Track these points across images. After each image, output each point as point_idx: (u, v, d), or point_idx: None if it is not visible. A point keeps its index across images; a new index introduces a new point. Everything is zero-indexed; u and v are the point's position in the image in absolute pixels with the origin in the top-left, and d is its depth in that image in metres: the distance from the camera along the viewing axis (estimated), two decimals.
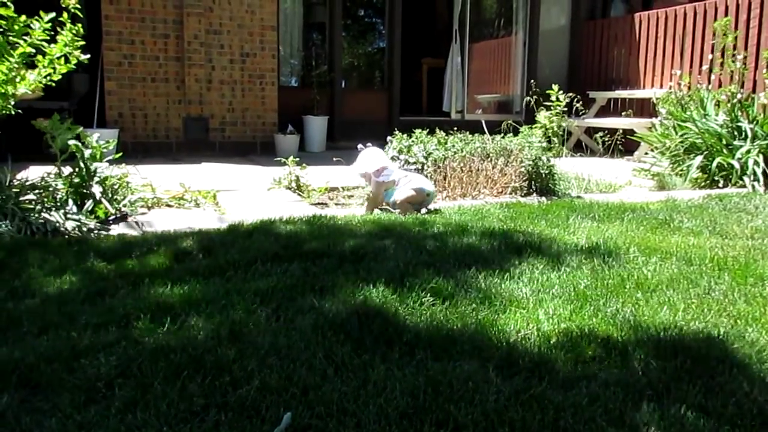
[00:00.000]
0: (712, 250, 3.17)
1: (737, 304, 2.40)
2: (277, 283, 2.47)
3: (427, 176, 4.73)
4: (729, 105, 6.20)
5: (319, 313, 2.20)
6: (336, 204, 4.68)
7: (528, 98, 6.06)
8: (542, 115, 5.31)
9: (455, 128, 5.37)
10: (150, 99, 7.37)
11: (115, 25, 7.15)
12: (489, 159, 4.89)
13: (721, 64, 7.21)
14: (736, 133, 5.89)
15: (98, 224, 3.59)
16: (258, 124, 7.82)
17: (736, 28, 7.23)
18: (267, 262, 2.75)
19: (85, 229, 3.47)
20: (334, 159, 5.26)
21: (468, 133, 5.28)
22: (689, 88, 7.36)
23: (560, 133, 5.47)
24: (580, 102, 5.95)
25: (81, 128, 4.00)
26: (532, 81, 8.39)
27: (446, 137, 5.13)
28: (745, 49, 7.12)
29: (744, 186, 5.35)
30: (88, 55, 3.93)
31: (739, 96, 6.28)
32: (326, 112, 8.37)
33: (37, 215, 3.44)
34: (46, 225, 3.40)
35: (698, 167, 5.63)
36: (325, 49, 8.97)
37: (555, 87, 5.34)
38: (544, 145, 5.10)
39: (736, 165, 5.47)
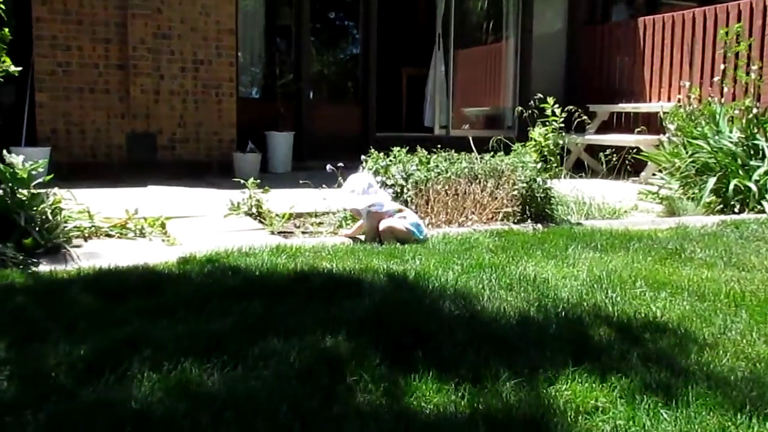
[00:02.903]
0: (728, 284, 3.24)
1: (756, 346, 2.45)
2: (236, 324, 2.47)
3: (407, 201, 4.77)
4: (744, 121, 6.37)
5: (283, 359, 2.19)
6: (303, 232, 4.69)
7: (521, 111, 6.15)
8: (536, 132, 5.38)
9: (439, 146, 5.43)
10: (88, 113, 7.36)
11: (48, 29, 7.15)
12: (477, 181, 4.94)
13: (735, 76, 7.41)
14: (752, 152, 6.04)
15: (25, 257, 3.56)
16: (214, 141, 7.83)
17: (750, 34, 7.44)
18: (224, 300, 2.74)
19: (10, 263, 3.43)
20: (301, 181, 5.28)
21: (453, 151, 5.33)
22: (700, 101, 7.54)
23: (557, 151, 5.55)
24: (580, 116, 6.06)
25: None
26: (526, 92, 8.55)
27: (429, 156, 5.18)
28: (761, 58, 7.32)
29: (762, 211, 5.48)
30: (20, 68, 3.92)
31: (754, 111, 6.46)
32: (292, 128, 8.42)
33: None
34: None
35: (711, 190, 5.75)
36: (290, 56, 9.06)
37: (551, 100, 5.43)
38: (540, 165, 5.18)
39: (754, 188, 5.60)
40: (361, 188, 4.31)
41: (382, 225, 4.19)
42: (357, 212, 4.35)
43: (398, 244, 4.02)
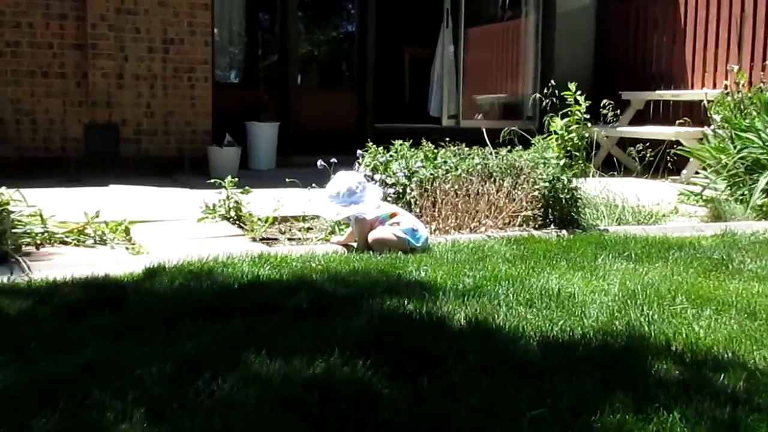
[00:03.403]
0: None
1: None
2: (212, 345, 2.47)
3: (410, 202, 4.78)
4: None
5: (266, 385, 2.20)
6: (289, 239, 4.69)
7: (541, 98, 6.15)
8: (558, 123, 5.39)
9: (447, 139, 5.44)
10: (40, 100, 7.37)
11: None
12: (492, 179, 4.96)
13: None
14: None
15: None
16: (186, 133, 7.85)
17: None
18: (198, 317, 2.75)
19: None
20: (288, 179, 5.28)
21: (464, 145, 5.34)
22: (750, 87, 7.56)
23: (583, 145, 5.56)
24: (611, 105, 6.07)
25: None
26: (548, 77, 8.56)
27: (436, 150, 5.19)
28: None
29: None
30: None
31: None
32: (277, 118, 8.44)
33: None
34: None
35: (763, 191, 5.76)
36: (275, 34, 9.09)
37: (572, 86, 5.43)
38: (564, 161, 5.19)
39: None
40: (346, 191, 4.30)
41: (371, 237, 4.22)
42: (346, 218, 4.37)
43: (399, 253, 4.03)
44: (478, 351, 2.49)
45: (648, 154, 6.48)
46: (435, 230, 4.73)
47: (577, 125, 5.41)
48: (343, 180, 4.38)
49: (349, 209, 4.27)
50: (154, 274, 3.42)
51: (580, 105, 5.38)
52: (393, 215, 4.32)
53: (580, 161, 5.44)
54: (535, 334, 2.71)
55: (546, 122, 5.62)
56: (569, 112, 5.45)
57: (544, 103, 5.94)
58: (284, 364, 2.34)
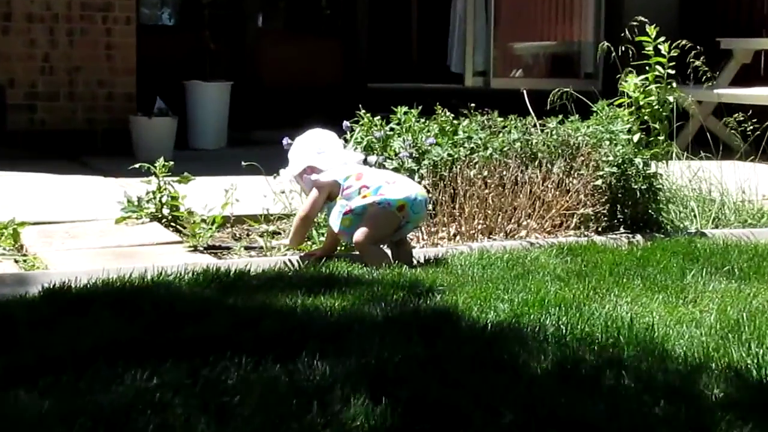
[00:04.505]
0: None
1: None
2: (138, 397, 2.47)
3: None
4: None
5: None
6: (247, 248, 4.69)
7: (608, 48, 6.12)
8: (631, 83, 5.36)
9: (473, 104, 5.43)
10: None
11: None
12: (537, 163, 4.95)
13: None
14: None
15: None
16: (99, 97, 7.84)
17: None
18: (117, 359, 2.74)
19: None
20: (245, 163, 5.26)
21: (497, 113, 5.34)
22: None
23: (666, 114, 5.53)
24: (703, 58, 6.05)
25: None
26: (616, 18, 8.53)
27: (456, 121, 5.18)
28: None
29: None
30: None
31: None
32: (230, 75, 8.42)
33: None
34: None
35: None
36: None
37: (652, 30, 5.39)
38: (639, 137, 5.18)
39: None
40: (311, 150, 4.39)
41: (356, 237, 4.22)
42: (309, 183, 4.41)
43: (405, 268, 4.03)
44: (517, 406, 2.50)
45: (758, 128, 6.47)
46: (454, 234, 4.72)
47: (657, 85, 5.38)
48: (307, 139, 4.46)
49: (292, 167, 4.37)
50: (56, 299, 3.41)
51: (662, 57, 5.34)
52: (357, 178, 4.31)
53: (661, 137, 5.42)
54: (597, 381, 2.71)
55: (617, 81, 5.58)
56: (646, 68, 5.42)
57: (612, 55, 5.91)
58: (243, 426, 2.35)
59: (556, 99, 5.71)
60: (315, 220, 4.56)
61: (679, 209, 5.33)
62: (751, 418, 2.51)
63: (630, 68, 5.51)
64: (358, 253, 4.27)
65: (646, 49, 5.39)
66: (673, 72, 5.45)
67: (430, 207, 4.69)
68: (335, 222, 4.29)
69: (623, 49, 5.68)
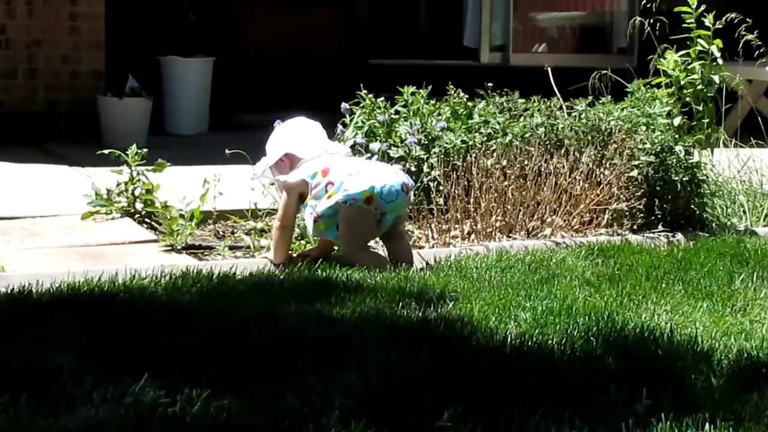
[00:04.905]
0: None
1: None
2: (107, 420, 2.46)
3: (428, 188, 4.76)
4: None
5: None
6: (231, 247, 4.68)
7: (642, 21, 6.09)
8: (670, 60, 5.33)
9: (490, 84, 5.43)
10: None
11: None
12: (563, 151, 4.94)
13: None
14: None
15: None
16: (63, 74, 7.82)
17: None
18: (84, 373, 2.74)
19: None
20: (228, 151, 5.26)
21: (517, 94, 5.33)
22: None
23: (711, 95, 5.51)
24: (756, 32, 6.02)
25: None
26: None
27: (471, 103, 5.17)
28: None
29: None
30: None
31: None
32: (212, 50, 8.41)
33: None
34: None
35: None
36: None
37: (693, 0, 5.36)
38: (680, 121, 5.16)
39: None
40: (290, 137, 4.45)
41: (343, 252, 4.32)
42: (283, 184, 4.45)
43: (412, 272, 4.03)
44: (539, 428, 2.49)
45: None
46: (469, 233, 4.72)
47: (701, 61, 5.35)
48: (288, 127, 4.51)
49: (268, 156, 4.43)
50: (14, 305, 3.41)
51: (707, 30, 5.32)
52: (324, 173, 4.32)
53: (705, 121, 5.41)
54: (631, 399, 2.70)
55: (653, 59, 5.56)
56: (687, 42, 5.41)
57: (646, 29, 5.89)
58: None
59: (590, 79, 5.69)
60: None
61: (726, 204, 5.31)
62: None
63: (666, 45, 5.49)
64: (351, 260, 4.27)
65: (687, 21, 5.37)
66: (719, 47, 5.42)
67: (441, 201, 4.68)
68: (308, 225, 4.34)
69: (660, 21, 5.66)
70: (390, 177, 4.31)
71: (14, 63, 7.74)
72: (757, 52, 5.96)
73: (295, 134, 4.46)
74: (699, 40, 5.33)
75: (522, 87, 5.46)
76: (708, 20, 5.30)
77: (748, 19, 6.01)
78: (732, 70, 6.23)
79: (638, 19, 6.23)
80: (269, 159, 4.43)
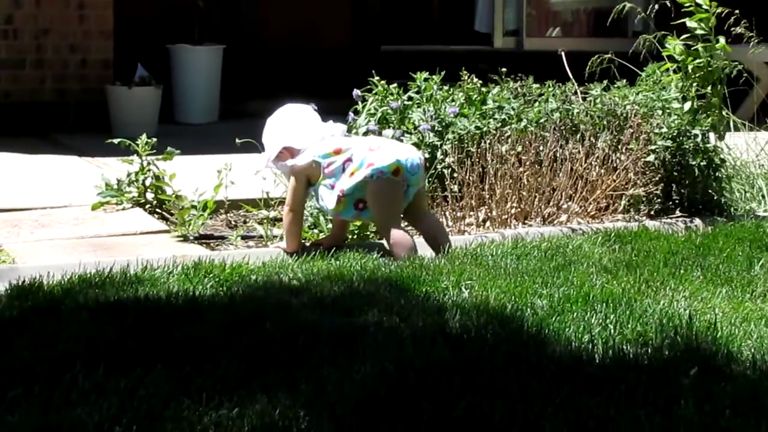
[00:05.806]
0: None
1: None
2: (119, 413, 2.46)
3: (443, 175, 4.76)
4: None
5: None
6: (244, 237, 4.68)
7: (653, 5, 6.07)
8: (674, 45, 5.28)
9: (504, 69, 5.41)
10: None
11: None
12: (579, 137, 4.93)
13: None
14: None
15: None
16: (72, 64, 7.82)
17: None
18: (97, 366, 2.74)
19: None
20: (239, 141, 5.26)
21: (531, 79, 5.31)
22: None
23: (719, 76, 5.47)
24: None
25: None
26: None
27: (485, 89, 5.16)
28: None
29: None
30: None
31: None
32: (222, 38, 8.40)
33: None
34: None
35: None
36: None
37: None
38: (691, 105, 5.14)
39: None
40: (284, 129, 4.44)
41: (377, 229, 4.31)
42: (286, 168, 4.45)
43: (426, 260, 4.03)
44: (557, 417, 2.49)
45: None
46: (484, 221, 4.71)
47: (704, 43, 5.31)
48: (279, 118, 4.52)
49: (267, 151, 4.43)
50: (25, 298, 3.42)
51: (706, 11, 5.26)
52: (337, 152, 4.33)
53: (714, 100, 5.37)
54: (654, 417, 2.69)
55: (647, 42, 5.54)
56: (698, 25, 5.38)
57: (651, 9, 5.87)
58: None
59: (598, 63, 5.66)
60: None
61: (745, 189, 5.30)
62: None
63: (665, 32, 5.46)
64: (382, 241, 4.31)
65: (686, 5, 5.32)
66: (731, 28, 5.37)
67: (455, 188, 4.68)
68: (328, 204, 4.31)
69: (666, 3, 5.64)
70: (411, 151, 4.36)
71: (22, 53, 7.74)
72: None
73: (289, 125, 4.46)
74: (703, 22, 5.28)
75: (536, 72, 5.45)
76: (704, 2, 5.26)
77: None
78: (745, 51, 6.20)
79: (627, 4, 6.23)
80: (268, 154, 4.44)
